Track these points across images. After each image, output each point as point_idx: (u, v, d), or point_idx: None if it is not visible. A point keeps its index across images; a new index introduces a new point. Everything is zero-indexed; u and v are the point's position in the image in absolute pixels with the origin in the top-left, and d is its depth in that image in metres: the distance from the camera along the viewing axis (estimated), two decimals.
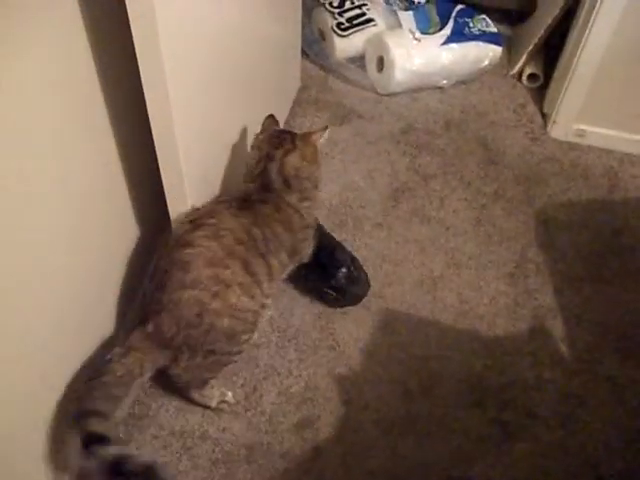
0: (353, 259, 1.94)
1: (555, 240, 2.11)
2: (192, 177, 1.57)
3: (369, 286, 1.94)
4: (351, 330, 1.91)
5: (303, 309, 1.94)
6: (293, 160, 1.64)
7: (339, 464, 1.69)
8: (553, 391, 1.81)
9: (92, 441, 1.30)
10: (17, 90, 1.17)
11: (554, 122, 2.36)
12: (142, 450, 1.70)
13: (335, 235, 2.07)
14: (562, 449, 1.72)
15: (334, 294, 1.90)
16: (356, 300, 1.94)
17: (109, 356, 1.46)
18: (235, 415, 1.75)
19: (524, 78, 2.55)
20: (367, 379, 1.82)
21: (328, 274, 1.88)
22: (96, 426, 1.34)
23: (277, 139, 1.67)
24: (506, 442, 1.73)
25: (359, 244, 2.08)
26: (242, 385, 1.80)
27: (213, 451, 1.70)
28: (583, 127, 2.33)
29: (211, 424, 1.74)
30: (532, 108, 2.46)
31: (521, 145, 2.37)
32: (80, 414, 1.36)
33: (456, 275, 2.03)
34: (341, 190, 2.21)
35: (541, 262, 2.06)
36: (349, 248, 2.02)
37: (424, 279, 2.01)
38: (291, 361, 1.83)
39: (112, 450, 1.30)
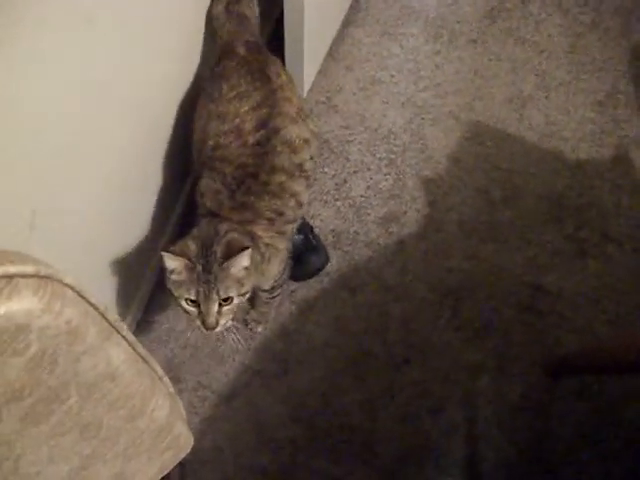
0: (312, 228, 1.75)
1: None
2: None
3: (327, 259, 1.77)
4: (440, 137, 1.93)
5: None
6: None
7: (421, 259, 1.77)
8: (630, 217, 1.85)
9: None
10: None
11: None
12: None
13: (429, 47, 2.06)
14: (633, 271, 1.78)
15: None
16: (313, 272, 1.76)
17: None
18: (324, 203, 1.82)
19: None
20: (452, 184, 1.86)
21: None
22: None
23: None
24: (579, 258, 1.79)
25: (452, 57, 2.07)
26: (333, 176, 1.86)
27: None
28: None
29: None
30: None
31: None
32: None
33: (545, 97, 2.02)
34: (438, 4, 2.17)
35: (631, 94, 2.04)
36: (442, 61, 2.02)
37: (513, 97, 2.01)
38: (381, 159, 1.87)
39: None
